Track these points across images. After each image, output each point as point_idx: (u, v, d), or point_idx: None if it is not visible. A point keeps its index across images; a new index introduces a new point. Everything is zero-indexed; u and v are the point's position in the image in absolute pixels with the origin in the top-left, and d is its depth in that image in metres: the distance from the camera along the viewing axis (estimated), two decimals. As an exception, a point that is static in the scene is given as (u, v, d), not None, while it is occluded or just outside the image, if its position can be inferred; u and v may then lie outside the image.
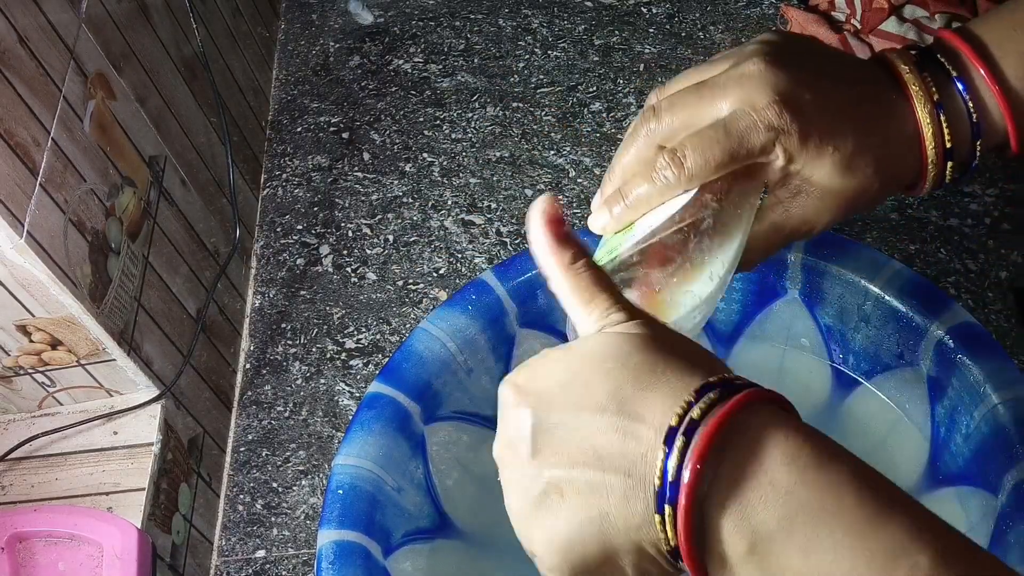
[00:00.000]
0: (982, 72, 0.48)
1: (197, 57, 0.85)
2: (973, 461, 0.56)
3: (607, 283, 0.42)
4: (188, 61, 0.85)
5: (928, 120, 0.48)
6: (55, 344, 0.66)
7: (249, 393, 0.84)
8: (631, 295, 0.45)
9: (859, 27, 0.96)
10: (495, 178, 0.93)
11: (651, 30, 1.03)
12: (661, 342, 0.39)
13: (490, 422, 0.65)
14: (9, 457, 0.70)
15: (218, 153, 0.88)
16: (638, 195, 0.46)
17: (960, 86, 0.48)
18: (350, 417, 0.69)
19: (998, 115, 0.49)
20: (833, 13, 0.99)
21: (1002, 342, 0.74)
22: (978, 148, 0.49)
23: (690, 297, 0.45)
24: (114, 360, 0.68)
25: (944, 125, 0.48)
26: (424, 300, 0.86)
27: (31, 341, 0.66)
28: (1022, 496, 0.52)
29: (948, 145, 0.48)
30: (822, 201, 0.48)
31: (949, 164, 0.49)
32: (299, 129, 1.01)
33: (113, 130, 0.70)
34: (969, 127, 0.49)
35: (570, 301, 0.42)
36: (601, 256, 0.47)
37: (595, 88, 0.99)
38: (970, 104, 0.48)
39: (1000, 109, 0.48)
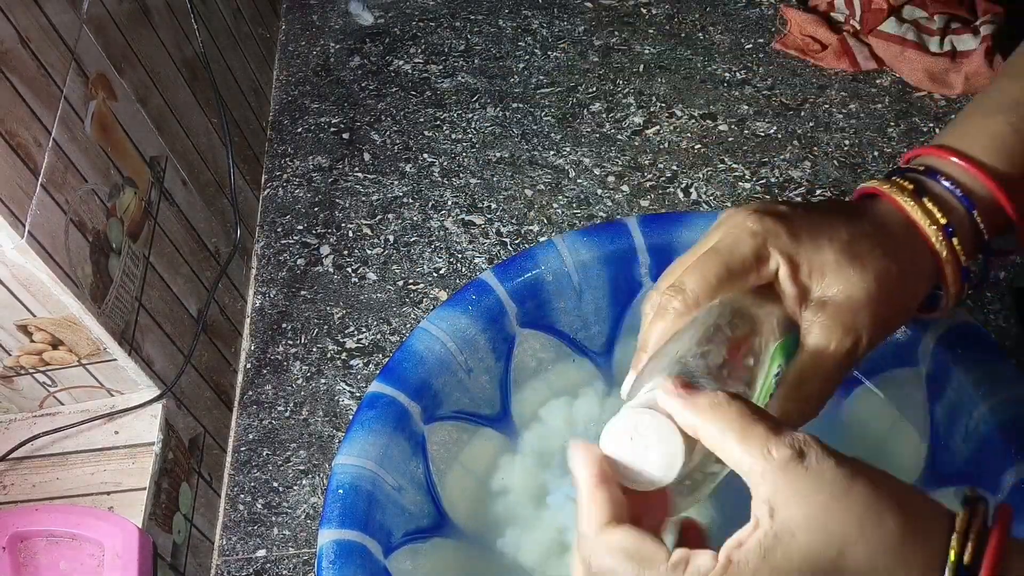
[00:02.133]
0: (981, 181, 0.48)
1: (198, 58, 0.85)
2: (972, 461, 0.56)
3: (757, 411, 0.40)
4: (189, 62, 0.85)
5: (941, 239, 0.47)
6: (56, 344, 0.66)
7: (250, 393, 0.84)
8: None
9: (858, 28, 0.96)
10: (495, 178, 0.93)
11: (651, 31, 1.03)
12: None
13: (489, 421, 0.65)
14: (10, 457, 0.70)
15: (219, 153, 0.88)
16: (654, 336, 0.46)
17: (965, 202, 0.48)
18: (350, 417, 0.69)
19: (995, 208, 0.48)
20: (832, 14, 0.99)
21: (1001, 342, 0.74)
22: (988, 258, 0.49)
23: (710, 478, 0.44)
24: (115, 360, 0.68)
25: (958, 246, 0.48)
26: (424, 300, 0.86)
27: (32, 341, 0.66)
28: (1021, 496, 0.52)
29: (963, 263, 0.48)
30: (850, 300, 0.46)
31: (966, 285, 0.49)
32: (300, 129, 1.01)
33: (114, 130, 0.70)
34: (977, 238, 0.48)
35: (720, 440, 0.39)
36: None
37: (595, 89, 0.99)
38: (978, 218, 0.48)
39: (999, 201, 0.48)
